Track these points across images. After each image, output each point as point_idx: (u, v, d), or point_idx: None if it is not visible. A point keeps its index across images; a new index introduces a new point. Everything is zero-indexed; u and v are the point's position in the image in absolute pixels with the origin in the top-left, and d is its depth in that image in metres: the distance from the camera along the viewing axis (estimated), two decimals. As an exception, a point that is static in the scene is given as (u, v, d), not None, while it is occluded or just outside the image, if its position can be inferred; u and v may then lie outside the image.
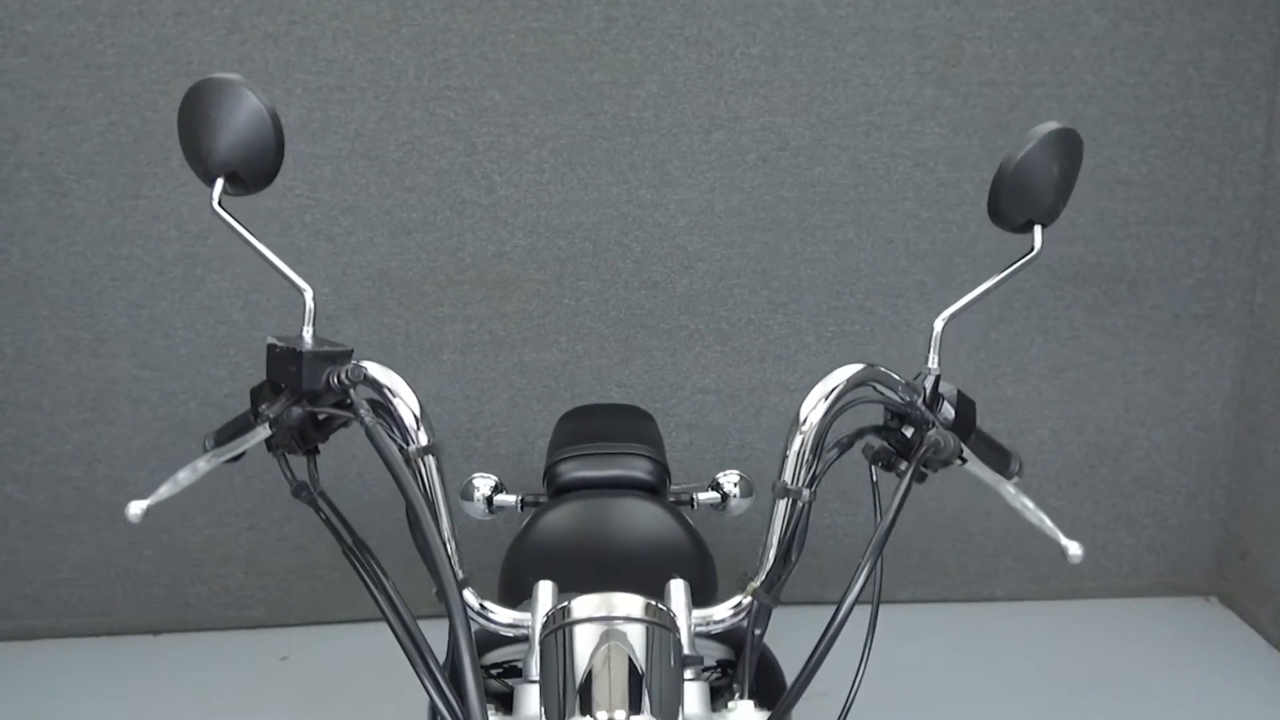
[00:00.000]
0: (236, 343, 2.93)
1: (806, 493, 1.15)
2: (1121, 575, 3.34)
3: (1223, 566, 3.34)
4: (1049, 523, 1.21)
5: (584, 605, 1.07)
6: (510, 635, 1.22)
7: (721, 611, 1.18)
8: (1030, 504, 1.23)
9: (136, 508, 1.16)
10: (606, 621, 1.05)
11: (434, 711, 1.08)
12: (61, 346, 2.93)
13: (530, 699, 1.14)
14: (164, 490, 1.18)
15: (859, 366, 1.18)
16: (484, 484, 2.13)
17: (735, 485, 2.13)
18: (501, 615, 1.22)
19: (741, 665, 1.13)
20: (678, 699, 1.05)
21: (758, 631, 1.14)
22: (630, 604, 1.06)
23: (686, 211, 2.93)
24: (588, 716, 0.99)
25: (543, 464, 1.94)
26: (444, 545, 0.99)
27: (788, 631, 1.59)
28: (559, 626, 1.06)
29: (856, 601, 0.99)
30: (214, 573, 3.12)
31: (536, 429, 3.04)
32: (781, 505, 1.17)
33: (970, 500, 3.20)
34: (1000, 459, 1.26)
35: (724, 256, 2.97)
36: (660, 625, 1.06)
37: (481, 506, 2.12)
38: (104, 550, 3.08)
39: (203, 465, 1.20)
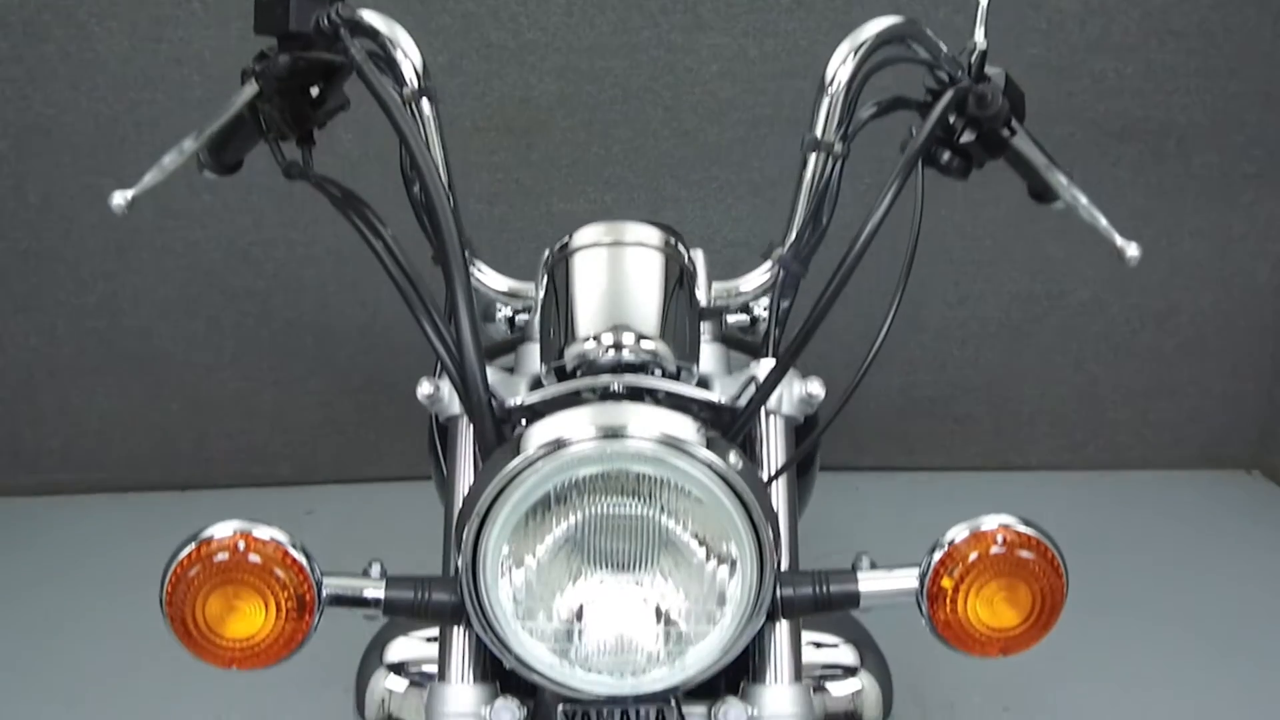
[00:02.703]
0: (260, 189, 2.88)
1: (839, 145, 1.08)
2: (1161, 446, 3.25)
3: (1266, 438, 3.25)
4: (1103, 221, 1.12)
5: (589, 232, 1.00)
6: (511, 305, 1.15)
7: (747, 281, 1.11)
8: (1084, 198, 1.13)
9: (120, 198, 1.08)
10: (615, 249, 0.98)
11: (436, 364, 1.02)
12: (85, 195, 2.89)
13: (530, 356, 1.07)
14: (149, 178, 1.10)
15: (894, 19, 1.10)
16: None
17: (764, 310, 2.06)
18: (498, 281, 1.16)
19: (768, 333, 1.06)
20: (694, 339, 0.99)
21: (785, 303, 1.07)
22: (643, 232, 1.00)
23: (719, 57, 2.84)
24: (589, 341, 0.92)
25: None
26: (443, 193, 0.93)
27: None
28: (563, 257, 1.00)
29: (884, 219, 0.91)
30: (240, 428, 3.10)
31: (564, 282, 2.99)
32: (811, 161, 1.09)
33: (1008, 365, 3.11)
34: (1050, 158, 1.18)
35: (757, 104, 2.88)
36: (675, 256, 0.99)
37: (504, 328, 2.07)
38: (130, 404, 3.06)
39: (188, 145, 1.12)
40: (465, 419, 1.02)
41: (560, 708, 0.90)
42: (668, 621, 0.85)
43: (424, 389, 1.01)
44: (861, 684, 1.14)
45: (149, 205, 2.86)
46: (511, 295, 1.16)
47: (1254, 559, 2.88)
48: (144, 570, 2.91)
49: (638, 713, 0.90)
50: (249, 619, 0.86)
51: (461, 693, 0.92)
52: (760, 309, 2.10)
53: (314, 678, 2.41)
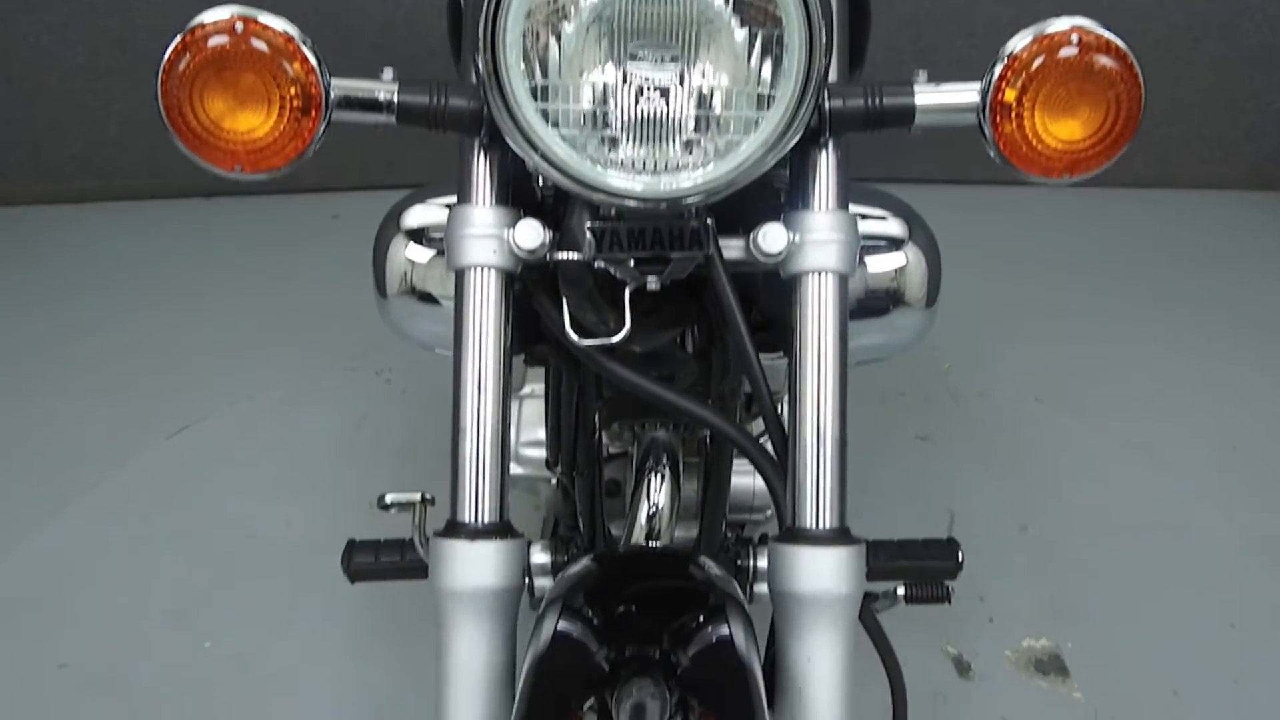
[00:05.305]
0: None
1: None
2: (1214, 163, 3.13)
3: (1326, 158, 3.12)
4: None
5: None
6: None
7: None
8: None
9: None
10: None
11: None
12: (86, -122, 2.73)
13: None
14: None
15: None
16: None
17: None
18: None
19: None
20: None
21: None
22: None
23: None
24: None
25: None
26: None
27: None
28: None
29: None
30: (261, 134, 3.01)
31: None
32: None
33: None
34: None
35: None
36: None
37: None
38: (149, 107, 2.92)
39: None
40: None
41: (588, 225, 0.84)
42: (706, 105, 0.77)
43: None
44: (906, 259, 1.08)
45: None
46: None
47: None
48: (170, 275, 2.92)
49: (670, 231, 0.83)
50: (251, 117, 0.80)
51: (483, 214, 0.86)
52: None
53: (341, 362, 2.42)
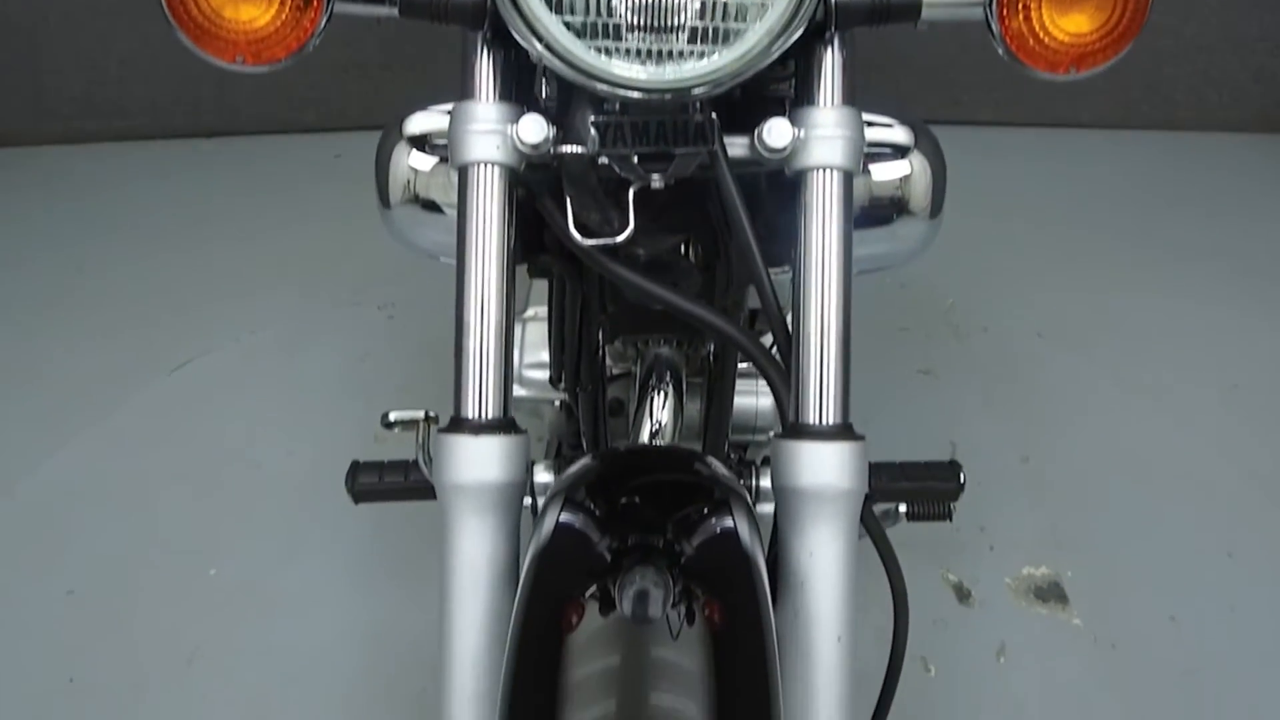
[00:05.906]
0: None
1: None
2: (1221, 106, 3.10)
3: (1333, 99, 3.10)
4: None
5: None
6: None
7: None
8: None
9: None
10: None
11: None
12: None
13: None
14: None
15: None
16: None
17: None
18: None
19: None
20: None
21: None
22: None
23: None
24: None
25: None
26: None
27: None
28: None
29: None
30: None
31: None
32: None
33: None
34: None
35: None
36: None
37: None
38: (149, 47, 2.96)
39: None
40: None
41: (591, 120, 0.83)
42: None
43: None
44: (911, 167, 1.07)
45: None
46: None
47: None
48: (173, 214, 2.90)
49: (675, 125, 0.83)
50: (252, 7, 0.79)
51: (486, 109, 0.85)
52: None
53: (345, 298, 2.42)
